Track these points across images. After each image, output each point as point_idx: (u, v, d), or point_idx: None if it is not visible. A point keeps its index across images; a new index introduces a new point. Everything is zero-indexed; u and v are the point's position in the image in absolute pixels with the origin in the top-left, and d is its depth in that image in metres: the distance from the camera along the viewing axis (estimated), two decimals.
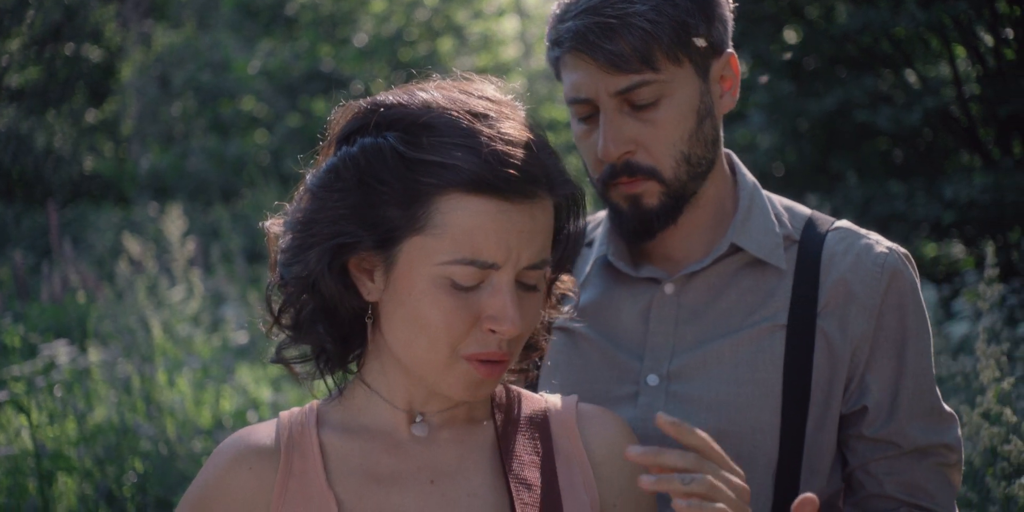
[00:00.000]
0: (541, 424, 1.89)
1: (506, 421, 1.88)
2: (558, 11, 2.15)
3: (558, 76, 2.20)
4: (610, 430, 1.89)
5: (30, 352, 6.98)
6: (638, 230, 2.17)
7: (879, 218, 7.08)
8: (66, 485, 5.11)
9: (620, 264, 2.23)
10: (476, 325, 1.71)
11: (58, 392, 5.89)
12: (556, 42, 2.14)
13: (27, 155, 18.77)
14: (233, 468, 1.81)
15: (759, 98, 7.86)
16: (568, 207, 1.80)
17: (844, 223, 2.27)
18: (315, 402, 1.91)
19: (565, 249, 1.84)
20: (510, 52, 17.39)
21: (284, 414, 1.89)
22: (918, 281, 2.22)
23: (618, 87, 2.08)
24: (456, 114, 1.71)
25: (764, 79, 7.79)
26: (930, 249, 8.54)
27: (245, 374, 6.41)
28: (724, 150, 2.28)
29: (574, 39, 2.08)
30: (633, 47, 2.05)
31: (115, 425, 5.45)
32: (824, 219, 2.26)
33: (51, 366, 6.21)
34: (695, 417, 2.12)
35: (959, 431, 2.19)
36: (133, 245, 8.42)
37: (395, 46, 15.47)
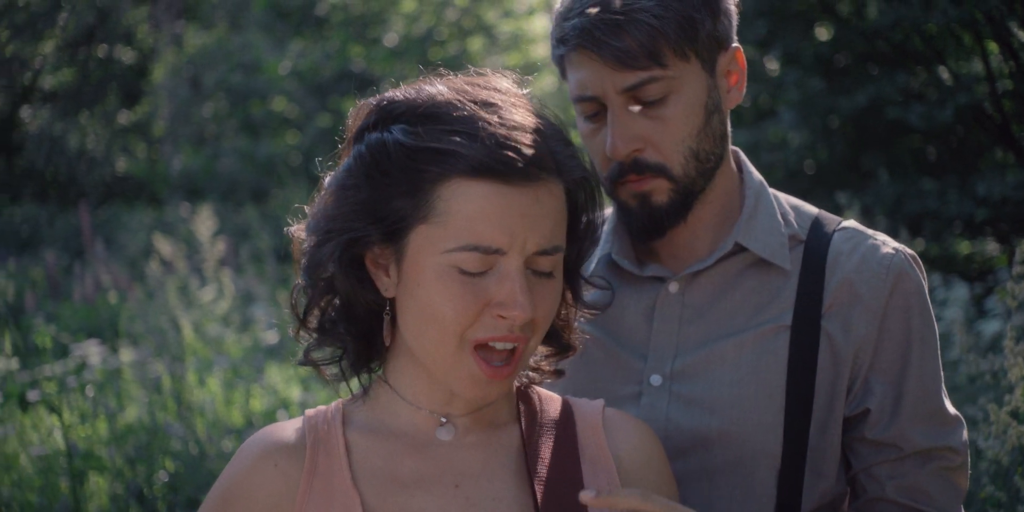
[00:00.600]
0: (567, 427, 1.88)
1: (531, 423, 1.87)
2: (562, 9, 2.12)
3: (563, 75, 2.17)
4: (636, 436, 1.88)
5: (62, 352, 7.02)
6: (648, 228, 2.14)
7: (911, 216, 7.03)
8: (97, 484, 5.13)
9: (624, 263, 2.21)
10: (485, 312, 1.70)
11: (90, 392, 5.92)
12: (561, 40, 2.10)
13: (60, 156, 18.91)
14: (259, 465, 1.82)
15: (790, 95, 7.82)
16: (583, 194, 1.79)
17: (850, 223, 2.24)
18: (341, 401, 1.91)
19: (584, 239, 1.82)
20: (540, 51, 17.36)
21: (311, 412, 1.89)
22: (925, 283, 2.19)
23: (625, 84, 2.05)
24: (459, 103, 1.72)
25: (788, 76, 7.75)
26: (963, 247, 8.47)
27: (275, 374, 6.42)
28: (731, 148, 2.25)
29: (579, 36, 2.05)
30: (640, 43, 2.02)
31: (146, 425, 5.47)
32: (831, 219, 2.23)
33: (82, 366, 6.24)
34: (698, 418, 2.10)
35: (964, 434, 2.16)
36: (164, 245, 8.46)
37: (425, 46, 15.48)
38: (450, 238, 1.69)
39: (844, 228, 2.21)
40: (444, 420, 1.83)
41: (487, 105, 1.73)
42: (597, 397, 2.02)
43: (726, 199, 2.21)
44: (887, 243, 2.18)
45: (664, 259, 2.22)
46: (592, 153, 2.16)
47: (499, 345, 1.72)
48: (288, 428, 1.87)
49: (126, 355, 6.42)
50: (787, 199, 2.27)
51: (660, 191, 2.11)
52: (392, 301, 1.79)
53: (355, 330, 1.83)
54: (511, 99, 1.77)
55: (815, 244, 2.17)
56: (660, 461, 1.89)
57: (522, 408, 1.89)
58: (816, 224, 2.21)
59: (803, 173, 8.20)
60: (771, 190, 2.25)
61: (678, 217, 2.14)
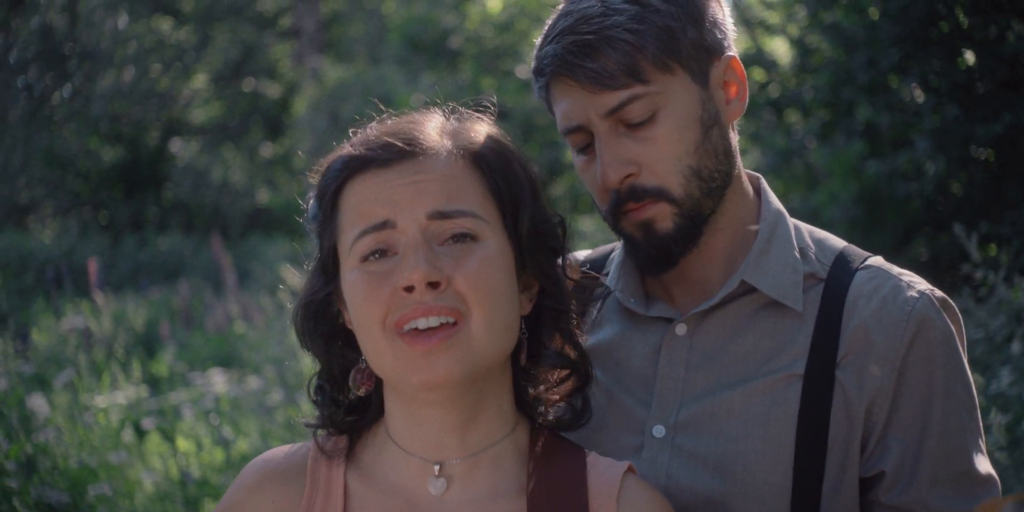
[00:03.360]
0: (577, 493, 1.74)
1: (539, 489, 1.74)
2: (538, 40, 2.01)
3: (550, 110, 2.03)
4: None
5: (184, 381, 7.13)
6: (657, 258, 1.98)
7: None
8: None
9: (630, 302, 2.05)
10: (395, 294, 1.67)
11: (214, 420, 5.98)
12: (539, 71, 1.99)
13: (205, 189, 19.38)
14: (254, 497, 1.79)
15: (926, 123, 7.58)
16: (488, 161, 1.75)
17: (876, 260, 2.04)
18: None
19: (517, 198, 1.76)
20: None
21: (319, 440, 1.83)
22: (956, 327, 1.99)
23: (608, 106, 1.91)
24: (364, 129, 1.81)
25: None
26: None
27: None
28: (752, 173, 2.10)
29: (554, 63, 1.93)
30: (616, 61, 1.89)
31: (260, 452, 5.49)
32: (856, 255, 2.04)
33: (201, 395, 6.31)
34: (700, 477, 1.93)
35: (999, 496, 1.93)
36: (291, 276, 8.55)
37: None
38: (349, 235, 1.72)
39: (868, 267, 2.01)
40: (437, 469, 1.74)
41: (382, 122, 1.80)
42: (599, 446, 1.90)
43: (740, 228, 2.04)
44: (913, 285, 1.98)
45: (676, 297, 2.06)
46: (590, 187, 2.02)
47: (421, 324, 1.65)
48: (290, 458, 1.82)
49: (249, 384, 6.48)
50: (811, 231, 2.08)
51: (663, 217, 1.95)
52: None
53: (341, 397, 1.81)
54: (425, 114, 1.81)
55: (836, 284, 1.98)
56: None
57: (531, 468, 1.76)
58: (840, 261, 2.02)
59: (940, 203, 7.94)
60: (793, 221, 2.07)
61: (687, 244, 1.97)
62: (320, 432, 1.84)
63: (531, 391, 1.80)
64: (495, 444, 1.75)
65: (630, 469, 1.78)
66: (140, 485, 5.20)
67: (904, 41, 7.64)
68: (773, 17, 9.38)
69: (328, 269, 1.76)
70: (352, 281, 1.70)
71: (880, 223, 7.73)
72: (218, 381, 6.60)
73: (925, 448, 1.92)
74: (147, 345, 9.06)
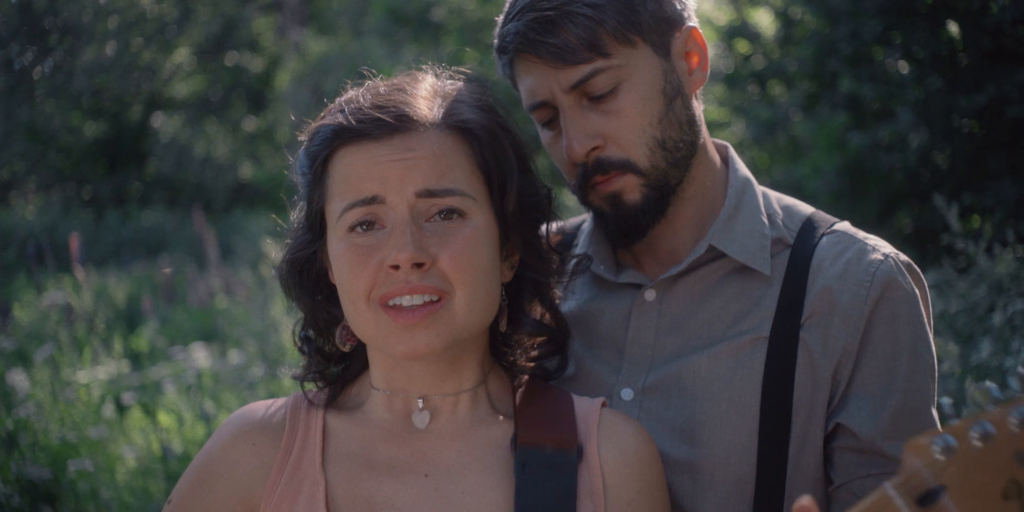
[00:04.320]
0: (567, 414, 1.83)
1: (523, 416, 1.82)
2: (499, 18, 2.04)
3: (515, 87, 2.06)
4: (628, 440, 1.81)
5: (165, 356, 7.11)
6: (626, 230, 2.00)
7: None
8: None
9: (600, 269, 2.09)
10: (382, 269, 1.71)
11: (196, 396, 5.96)
12: (501, 49, 2.02)
13: (188, 163, 19.30)
14: (237, 443, 1.83)
15: (908, 95, 7.56)
16: (478, 137, 1.78)
17: (843, 225, 2.07)
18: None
19: (495, 177, 1.79)
20: None
21: (299, 393, 1.90)
22: (920, 291, 2.01)
23: (571, 81, 1.94)
24: (351, 91, 1.84)
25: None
26: None
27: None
28: (719, 142, 2.11)
29: (516, 40, 1.96)
30: (577, 36, 1.91)
31: None
32: (823, 220, 2.07)
33: (183, 370, 6.29)
34: (668, 440, 1.96)
35: None
36: (274, 250, 8.51)
37: None
38: (338, 204, 1.75)
39: (833, 231, 2.04)
40: (421, 403, 1.80)
41: (373, 87, 1.81)
42: None
43: (708, 195, 2.06)
44: (877, 248, 2.01)
45: (646, 265, 2.08)
46: (557, 163, 2.05)
47: (405, 302, 1.70)
48: (271, 406, 1.88)
49: (231, 359, 6.46)
50: (779, 198, 2.11)
51: (631, 188, 1.97)
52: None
53: (327, 347, 1.88)
54: (416, 82, 1.82)
55: (802, 249, 2.01)
56: (648, 469, 1.81)
57: (518, 401, 1.84)
58: (806, 227, 2.05)
59: (923, 174, 7.93)
60: (761, 188, 2.10)
61: (656, 215, 2.00)
62: (308, 384, 1.90)
63: (509, 356, 1.87)
64: (476, 386, 1.83)
65: (603, 404, 1.87)
66: (121, 460, 5.19)
67: (887, 12, 7.62)
68: None
69: (316, 228, 1.82)
70: (339, 251, 1.74)
71: (864, 195, 7.73)
72: (200, 356, 6.58)
73: (888, 404, 1.94)
74: (129, 320, 9.03)
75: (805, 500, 1.39)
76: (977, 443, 1.22)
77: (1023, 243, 6.51)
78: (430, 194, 1.71)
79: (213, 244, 9.55)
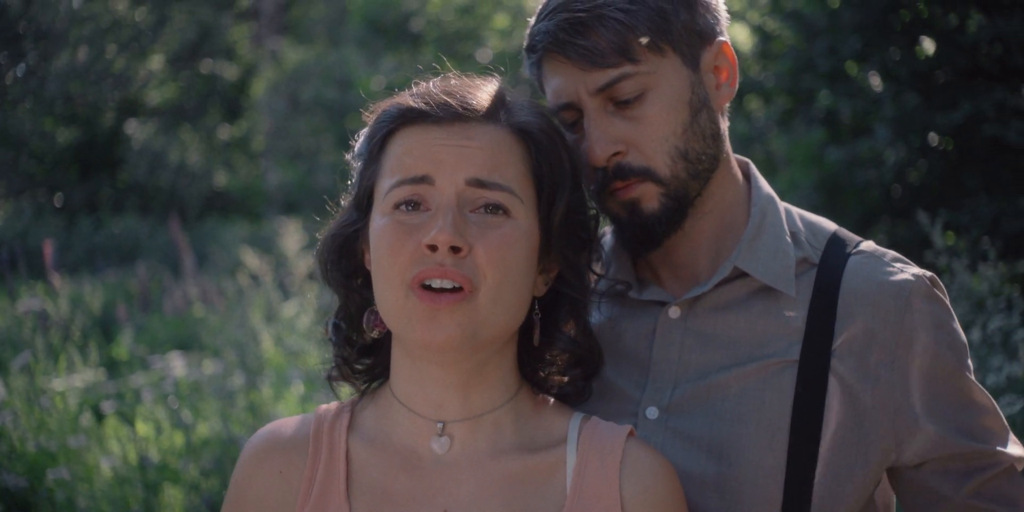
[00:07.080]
0: (587, 456, 1.80)
1: (533, 449, 1.80)
2: (531, 19, 2.04)
3: (541, 89, 2.06)
4: (652, 478, 1.79)
5: (143, 365, 7.08)
6: (641, 239, 2.00)
7: (1008, 235, 6.79)
8: (172, 496, 5.13)
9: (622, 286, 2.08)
10: (418, 249, 1.72)
11: (173, 404, 5.93)
12: (530, 48, 2.02)
13: (162, 171, 19.22)
14: (264, 471, 1.84)
15: (886, 112, 7.62)
16: (537, 142, 1.80)
17: (868, 245, 2.07)
18: (353, 399, 1.92)
19: (547, 185, 1.80)
20: None
21: (321, 410, 1.89)
22: (942, 303, 2.03)
23: (597, 84, 1.95)
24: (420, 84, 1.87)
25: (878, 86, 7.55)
26: None
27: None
28: (741, 158, 2.12)
29: (546, 40, 1.97)
30: (608, 40, 1.92)
31: (221, 437, 5.46)
32: (849, 239, 2.07)
33: (161, 378, 6.27)
34: (694, 458, 1.96)
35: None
36: (252, 259, 8.50)
37: (518, 61, 15.44)
38: (387, 181, 1.77)
39: (860, 252, 2.04)
40: (440, 428, 1.79)
41: (445, 79, 1.86)
42: None
43: (729, 212, 2.06)
44: (905, 269, 2.02)
45: (665, 281, 2.09)
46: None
47: (435, 283, 1.70)
48: (294, 428, 1.88)
49: (208, 368, 6.44)
50: (801, 215, 2.11)
51: (649, 196, 1.98)
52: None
53: (355, 336, 1.88)
54: (485, 81, 1.86)
55: (828, 269, 2.01)
56: (671, 506, 1.79)
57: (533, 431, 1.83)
58: (832, 245, 2.05)
59: (899, 191, 7.99)
60: (784, 205, 2.10)
61: (672, 225, 2.00)
62: (341, 393, 1.91)
63: (540, 372, 1.87)
64: (496, 408, 1.81)
65: (631, 433, 1.84)
66: (99, 469, 5.16)
67: (865, 29, 7.68)
68: (734, 3, 9.40)
69: (362, 207, 1.83)
70: (381, 227, 1.76)
71: (840, 210, 7.77)
72: (177, 364, 6.55)
73: (962, 427, 1.98)
74: (104, 328, 8.97)
75: None
76: None
77: (1003, 260, 6.58)
78: (480, 184, 1.73)
79: (188, 252, 9.52)
